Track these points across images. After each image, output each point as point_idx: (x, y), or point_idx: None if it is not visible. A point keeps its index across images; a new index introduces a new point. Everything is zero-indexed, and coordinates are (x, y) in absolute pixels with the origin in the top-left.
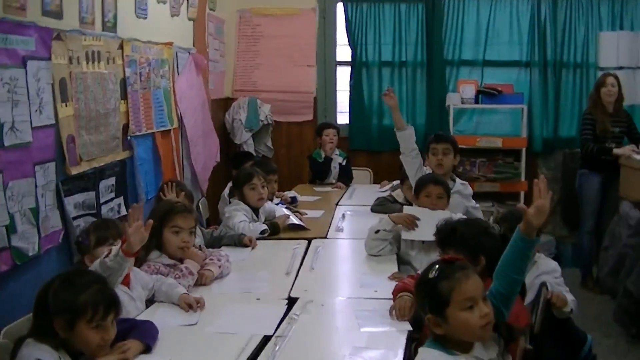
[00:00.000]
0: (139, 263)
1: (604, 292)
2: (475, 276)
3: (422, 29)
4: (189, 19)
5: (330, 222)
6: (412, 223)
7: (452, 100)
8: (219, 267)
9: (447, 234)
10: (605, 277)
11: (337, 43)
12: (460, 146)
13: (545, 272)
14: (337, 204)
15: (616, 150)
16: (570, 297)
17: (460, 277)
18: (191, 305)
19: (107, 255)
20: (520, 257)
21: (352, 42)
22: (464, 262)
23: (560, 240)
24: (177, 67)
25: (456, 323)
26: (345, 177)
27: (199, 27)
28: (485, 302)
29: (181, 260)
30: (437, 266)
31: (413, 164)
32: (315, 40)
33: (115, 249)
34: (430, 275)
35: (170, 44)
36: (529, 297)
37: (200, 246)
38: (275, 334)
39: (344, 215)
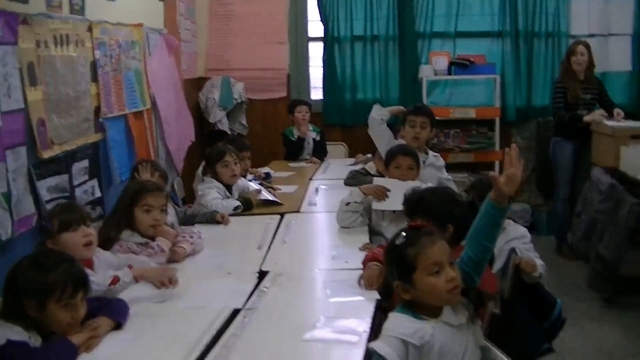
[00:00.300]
0: (110, 243)
1: (579, 257)
2: (441, 241)
3: (393, 3)
4: (159, 0)
5: (304, 197)
6: (382, 194)
7: (425, 73)
8: (191, 244)
9: (414, 203)
10: (578, 243)
11: (309, 19)
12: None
13: (515, 238)
14: (310, 179)
15: (586, 117)
16: (539, 262)
17: (425, 242)
18: (164, 283)
19: (112, 283)
20: (491, 225)
21: (324, 18)
22: (430, 228)
23: (535, 208)
24: (149, 49)
25: (423, 288)
26: (320, 152)
27: (169, 7)
28: (452, 267)
29: (153, 239)
30: (404, 233)
31: (383, 138)
32: (286, 17)
33: (125, 275)
34: (397, 242)
35: (141, 25)
36: (499, 263)
37: (172, 224)
38: (245, 307)
39: (317, 190)
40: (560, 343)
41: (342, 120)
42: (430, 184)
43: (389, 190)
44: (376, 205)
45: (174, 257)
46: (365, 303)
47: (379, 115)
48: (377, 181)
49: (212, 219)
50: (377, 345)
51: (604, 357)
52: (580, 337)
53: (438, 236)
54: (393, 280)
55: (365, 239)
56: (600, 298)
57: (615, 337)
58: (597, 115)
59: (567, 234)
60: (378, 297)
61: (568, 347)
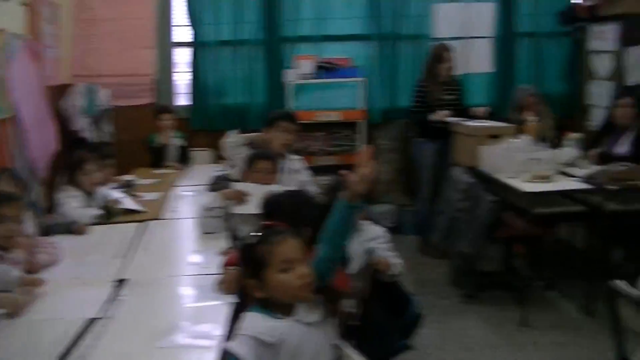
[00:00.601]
0: None
1: (441, 256)
2: (292, 239)
3: (260, 7)
4: (22, 4)
5: (166, 203)
6: (241, 198)
7: (290, 77)
8: (49, 254)
9: (271, 207)
10: (439, 241)
11: (176, 23)
12: (300, 121)
13: (372, 238)
14: (174, 185)
15: (430, 116)
16: (395, 261)
17: (276, 240)
18: (16, 312)
19: None
20: (344, 223)
21: (193, 22)
22: (282, 227)
23: (400, 208)
24: (10, 55)
25: (274, 285)
26: (184, 158)
27: (32, 12)
28: (304, 264)
29: (8, 250)
30: (257, 232)
31: (240, 157)
32: (152, 22)
33: None
34: (250, 241)
35: (1, 31)
36: (356, 263)
37: (29, 235)
38: (101, 316)
39: (179, 196)
40: (423, 339)
41: (208, 126)
42: (290, 187)
43: (248, 195)
44: (236, 210)
45: (30, 269)
46: (221, 307)
47: (234, 142)
48: (238, 186)
49: (71, 229)
50: (232, 345)
51: (465, 351)
52: (442, 333)
53: (289, 234)
54: (247, 279)
55: (226, 244)
56: (461, 294)
57: (476, 331)
58: (440, 115)
59: (430, 233)
60: (235, 300)
61: (431, 343)
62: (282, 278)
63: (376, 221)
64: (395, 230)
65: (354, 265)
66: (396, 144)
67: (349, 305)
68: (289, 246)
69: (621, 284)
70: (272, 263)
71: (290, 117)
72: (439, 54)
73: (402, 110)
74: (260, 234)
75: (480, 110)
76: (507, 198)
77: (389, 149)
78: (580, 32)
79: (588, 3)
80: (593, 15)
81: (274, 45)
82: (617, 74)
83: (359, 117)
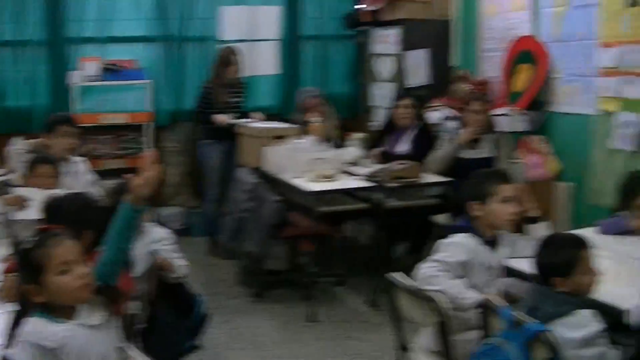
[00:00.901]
0: None
1: (229, 256)
2: (69, 241)
3: (42, 7)
4: None
5: None
6: (23, 204)
7: (75, 79)
8: None
9: (52, 211)
10: (227, 242)
11: None
12: (84, 125)
13: (156, 240)
14: None
15: (213, 118)
16: (179, 263)
17: (51, 243)
18: None
19: None
20: (127, 227)
21: None
22: (58, 229)
23: (189, 211)
24: None
25: (53, 288)
26: None
27: None
28: (82, 265)
29: None
30: (33, 237)
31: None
32: None
33: None
34: (25, 246)
35: None
36: (141, 265)
37: None
38: None
39: None
40: (212, 339)
41: None
42: (73, 191)
43: (29, 200)
44: (17, 216)
45: None
46: (1, 316)
47: (19, 149)
48: (19, 191)
49: None
50: (11, 353)
51: (254, 348)
52: (231, 332)
53: (65, 236)
54: (25, 284)
55: (7, 251)
56: (250, 293)
57: (265, 328)
58: (220, 119)
59: (218, 234)
60: (16, 307)
61: (220, 343)
62: (60, 280)
63: (162, 223)
64: (184, 232)
65: (139, 268)
66: (183, 146)
67: (134, 307)
68: (65, 248)
69: (398, 276)
70: (50, 266)
71: (69, 121)
72: (227, 57)
73: (189, 112)
74: (36, 238)
75: (256, 115)
76: (292, 197)
77: (176, 151)
78: (363, 35)
79: (371, 8)
80: (375, 20)
81: (58, 46)
82: (398, 76)
83: (145, 120)
